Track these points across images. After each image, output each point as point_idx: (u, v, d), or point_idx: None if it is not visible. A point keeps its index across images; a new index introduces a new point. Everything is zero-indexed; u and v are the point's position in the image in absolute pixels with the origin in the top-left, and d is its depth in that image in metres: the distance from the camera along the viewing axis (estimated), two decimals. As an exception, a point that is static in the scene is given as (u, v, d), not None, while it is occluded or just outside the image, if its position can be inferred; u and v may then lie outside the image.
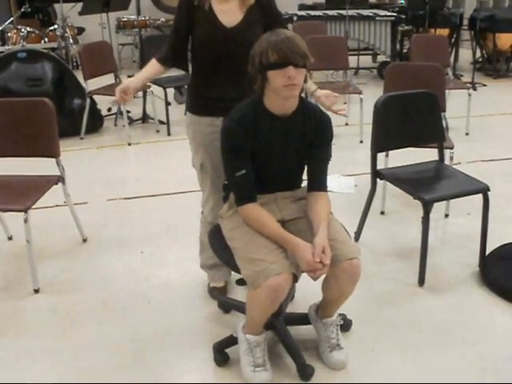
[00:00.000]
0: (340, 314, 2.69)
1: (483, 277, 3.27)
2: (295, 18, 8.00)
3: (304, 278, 2.34)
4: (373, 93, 5.57)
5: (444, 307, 3.05)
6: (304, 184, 2.61)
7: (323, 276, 2.34)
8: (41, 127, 3.42)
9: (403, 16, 8.41)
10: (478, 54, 8.88)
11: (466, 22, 8.92)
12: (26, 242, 3.19)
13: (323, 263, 2.23)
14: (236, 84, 2.68)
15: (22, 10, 8.17)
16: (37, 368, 2.63)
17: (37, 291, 3.22)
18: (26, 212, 3.13)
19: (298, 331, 2.79)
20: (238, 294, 3.13)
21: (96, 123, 6.23)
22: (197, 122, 2.82)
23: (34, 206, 3.21)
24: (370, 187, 3.54)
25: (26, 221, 3.14)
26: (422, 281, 3.24)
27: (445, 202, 3.99)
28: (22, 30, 8.08)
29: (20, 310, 3.07)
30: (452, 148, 3.95)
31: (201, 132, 2.79)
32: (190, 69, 2.82)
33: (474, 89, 7.67)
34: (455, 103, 5.94)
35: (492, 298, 3.12)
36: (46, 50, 6.37)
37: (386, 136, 3.46)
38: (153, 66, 2.82)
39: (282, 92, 2.30)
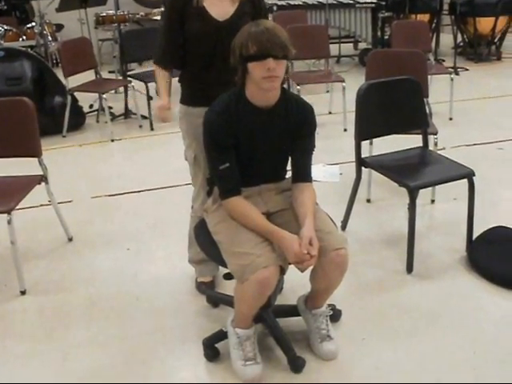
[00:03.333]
0: (329, 305, 2.68)
1: (471, 261, 3.28)
2: (275, 8, 7.95)
3: (292, 269, 2.33)
4: (355, 80, 5.55)
5: (433, 293, 3.06)
6: (289, 175, 2.60)
7: (311, 267, 2.33)
8: (21, 127, 3.38)
9: (383, 2, 8.39)
10: (459, 38, 8.90)
11: (446, 6, 8.91)
12: (11, 243, 3.15)
13: (310, 254, 2.22)
14: (229, 74, 2.65)
15: (-2, 7, 8.08)
16: (25, 370, 2.60)
17: (23, 293, 3.19)
18: (9, 213, 3.10)
19: (288, 323, 2.78)
20: (226, 287, 3.11)
21: (78, 120, 6.17)
22: (189, 113, 2.81)
23: (17, 207, 3.18)
24: (355, 176, 3.53)
25: (9, 222, 3.10)
26: (410, 268, 3.24)
27: (430, 187, 3.99)
28: (-1, 28, 7.99)
29: (7, 312, 3.04)
30: (436, 134, 3.95)
31: (193, 123, 2.76)
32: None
33: (457, 73, 7.69)
34: (438, 88, 5.95)
35: (480, 283, 3.13)
36: (24, 48, 6.30)
37: (369, 124, 3.45)
38: (163, 77, 2.82)
39: (262, 84, 2.28)
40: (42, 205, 4.13)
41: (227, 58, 2.41)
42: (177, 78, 2.87)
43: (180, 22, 2.69)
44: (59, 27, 9.18)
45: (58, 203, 3.74)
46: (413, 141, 3.66)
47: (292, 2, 8.30)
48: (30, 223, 3.98)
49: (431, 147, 3.73)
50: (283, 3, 8.29)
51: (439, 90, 5.97)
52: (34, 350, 2.74)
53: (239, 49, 2.28)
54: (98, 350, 2.72)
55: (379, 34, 8.73)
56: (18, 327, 2.91)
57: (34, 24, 8.44)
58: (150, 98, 6.07)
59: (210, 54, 2.68)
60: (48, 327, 2.90)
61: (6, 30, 8.06)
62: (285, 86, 2.46)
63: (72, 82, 5.84)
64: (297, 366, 2.52)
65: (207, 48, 2.68)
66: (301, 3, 8.18)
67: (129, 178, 4.79)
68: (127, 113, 6.52)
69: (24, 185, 3.38)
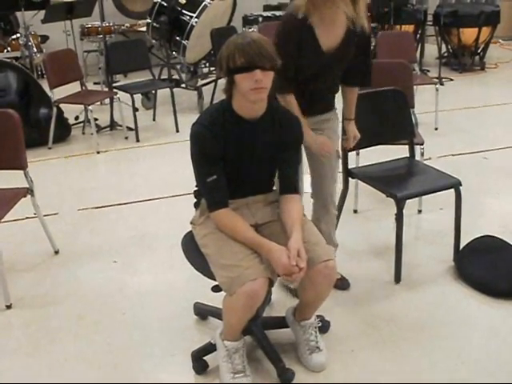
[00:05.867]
0: (318, 316, 2.68)
1: (458, 271, 3.29)
2: (260, 19, 7.98)
3: (280, 281, 2.32)
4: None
5: (421, 303, 3.06)
6: (276, 187, 2.60)
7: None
8: (7, 139, 3.35)
9: (368, 13, 8.43)
10: (444, 49, 8.97)
11: (430, 17, 8.98)
12: (-4, 256, 3.12)
13: (299, 266, 2.21)
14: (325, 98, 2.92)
15: (-17, 19, 8.03)
16: (11, 386, 2.58)
17: (9, 307, 3.15)
18: (-6, 226, 3.07)
19: (277, 335, 2.77)
20: (215, 300, 3.09)
21: (63, 132, 6.13)
22: None
23: (2, 220, 3.15)
24: (342, 186, 3.53)
25: (-6, 235, 3.08)
26: (398, 278, 3.24)
27: (417, 197, 4.00)
28: (-17, 39, 7.95)
29: (-8, 326, 3.01)
30: (422, 144, 3.96)
31: None
32: None
33: (441, 84, 7.72)
34: (423, 98, 5.97)
35: (468, 292, 3.14)
36: (9, 60, 6.27)
37: (356, 134, 3.45)
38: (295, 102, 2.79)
39: (250, 95, 2.28)
40: (27, 217, 4.10)
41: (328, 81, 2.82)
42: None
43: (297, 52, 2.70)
44: (44, 38, 9.13)
45: (44, 216, 3.71)
46: (399, 151, 3.67)
47: (278, 14, 8.33)
48: (15, 236, 3.94)
49: (417, 157, 3.74)
50: (269, 14, 8.33)
51: (424, 100, 6.00)
52: (20, 365, 2.70)
53: (226, 61, 2.28)
54: (84, 364, 2.70)
55: (364, 44, 8.77)
56: (3, 342, 2.88)
57: (18, 35, 8.39)
58: (135, 110, 6.06)
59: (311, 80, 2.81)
60: (34, 341, 2.87)
61: (-10, 41, 8.02)
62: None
63: (57, 93, 5.81)
64: (286, 378, 2.51)
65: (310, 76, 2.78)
66: (286, 14, 8.20)
67: (115, 190, 4.76)
68: (113, 124, 6.48)
69: (9, 197, 3.35)
